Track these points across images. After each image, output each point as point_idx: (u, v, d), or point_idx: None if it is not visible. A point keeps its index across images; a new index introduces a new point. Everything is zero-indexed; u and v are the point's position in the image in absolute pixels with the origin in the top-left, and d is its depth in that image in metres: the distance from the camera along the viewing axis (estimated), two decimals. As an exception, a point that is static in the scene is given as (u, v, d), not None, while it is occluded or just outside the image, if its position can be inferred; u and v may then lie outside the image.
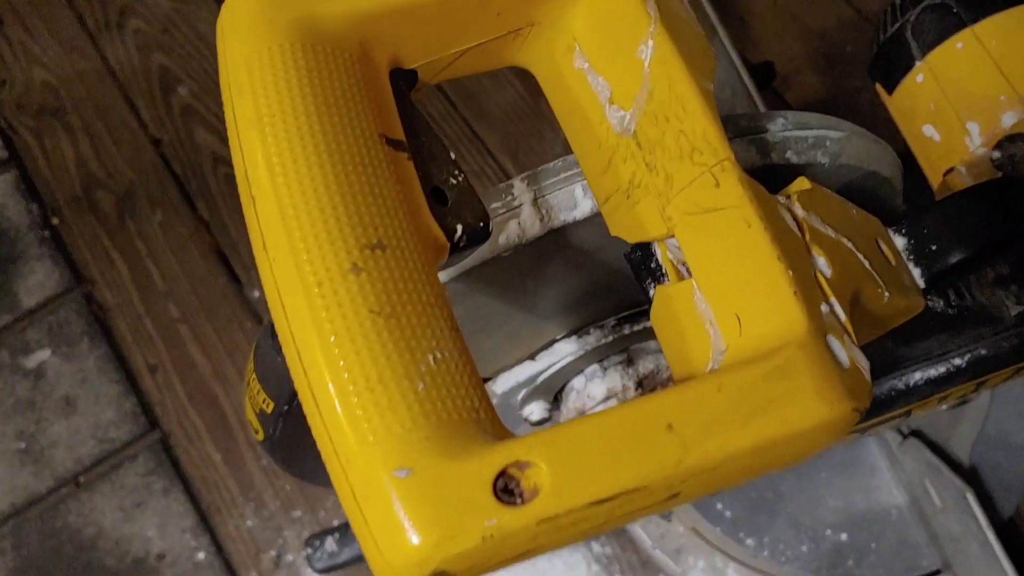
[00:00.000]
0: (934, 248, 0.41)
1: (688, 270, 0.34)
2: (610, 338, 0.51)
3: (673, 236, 0.33)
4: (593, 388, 0.54)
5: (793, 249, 0.31)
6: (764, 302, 0.30)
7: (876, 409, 0.53)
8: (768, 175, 0.43)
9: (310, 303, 0.26)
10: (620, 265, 0.37)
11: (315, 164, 0.28)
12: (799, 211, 0.34)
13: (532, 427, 0.57)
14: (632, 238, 0.34)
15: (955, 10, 0.60)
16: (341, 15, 0.31)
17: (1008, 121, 0.57)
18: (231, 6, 0.31)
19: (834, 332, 0.30)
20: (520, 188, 0.41)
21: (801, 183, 0.36)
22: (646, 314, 0.53)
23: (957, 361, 0.52)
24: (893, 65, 0.63)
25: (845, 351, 0.30)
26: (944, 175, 0.59)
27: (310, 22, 0.31)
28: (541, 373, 0.53)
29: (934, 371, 0.52)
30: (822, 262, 0.33)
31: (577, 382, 0.54)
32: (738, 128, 0.43)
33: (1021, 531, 0.94)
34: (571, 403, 0.55)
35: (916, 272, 0.41)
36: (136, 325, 1.11)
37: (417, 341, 0.27)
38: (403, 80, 0.34)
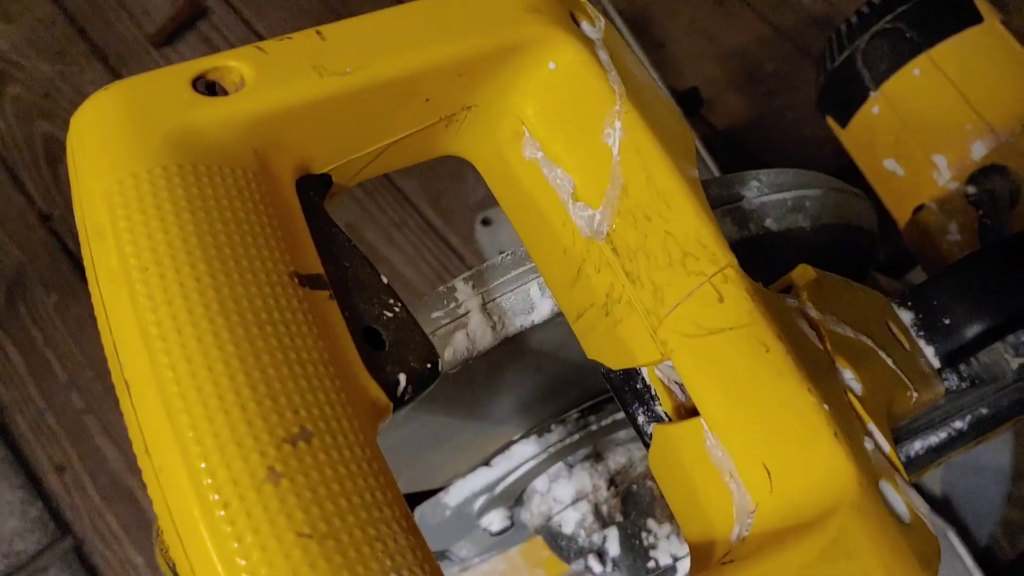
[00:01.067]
0: (947, 322, 0.35)
1: (683, 390, 0.28)
2: (575, 436, 0.45)
3: (668, 361, 0.26)
4: (559, 490, 0.47)
5: (820, 370, 0.25)
6: (798, 448, 0.24)
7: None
8: (747, 248, 0.38)
9: (215, 534, 0.19)
10: (586, 360, 0.31)
11: (207, 331, 0.21)
12: (814, 313, 0.28)
13: (492, 538, 0.50)
14: (617, 364, 0.28)
15: (908, 35, 0.55)
16: (227, 123, 0.24)
17: (978, 152, 0.53)
18: (81, 124, 0.24)
19: (885, 475, 0.24)
20: (465, 292, 0.34)
21: (805, 272, 0.30)
22: (613, 402, 0.47)
23: (958, 424, 0.47)
24: (844, 97, 0.59)
25: (901, 498, 0.24)
26: (913, 213, 0.55)
27: (187, 136, 0.24)
28: (499, 481, 0.46)
29: (935, 438, 0.47)
30: (850, 377, 0.27)
31: (540, 484, 0.48)
32: (710, 198, 0.37)
33: (998, 558, 0.90)
34: (535, 507, 0.48)
35: (929, 351, 0.35)
36: (37, 421, 1.01)
37: (366, 567, 0.20)
38: (313, 188, 0.27)
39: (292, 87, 0.25)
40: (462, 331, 0.34)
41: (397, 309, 0.26)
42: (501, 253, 0.35)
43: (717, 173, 0.88)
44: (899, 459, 0.26)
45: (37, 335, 1.04)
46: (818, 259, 0.43)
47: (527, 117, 0.29)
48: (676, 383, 0.28)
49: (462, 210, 1.09)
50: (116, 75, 1.14)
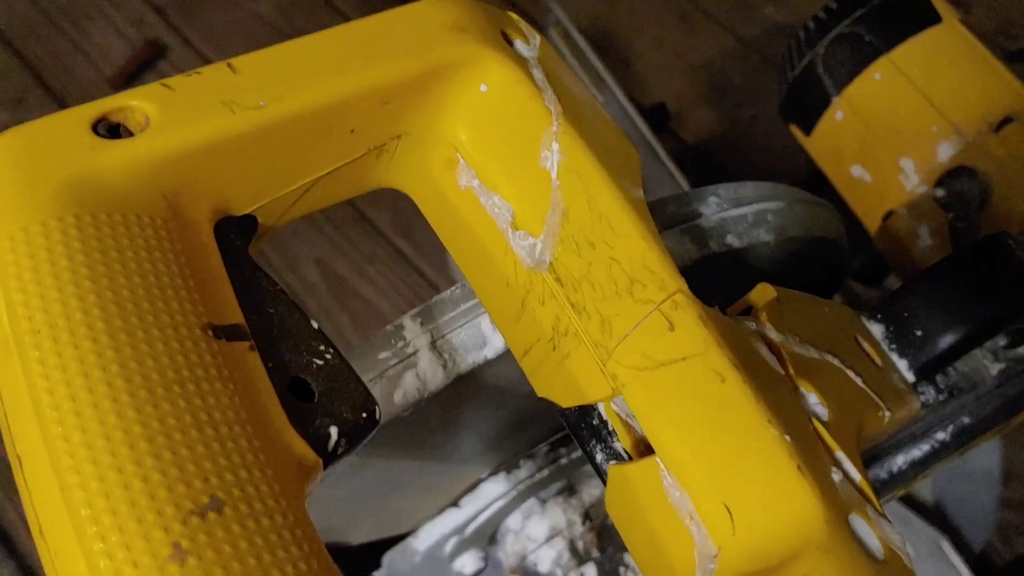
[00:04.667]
0: (919, 334, 0.34)
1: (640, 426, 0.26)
2: (545, 472, 0.43)
3: (621, 396, 0.25)
4: (533, 527, 0.45)
5: (781, 398, 0.24)
6: (760, 485, 0.22)
7: (859, 504, 0.45)
8: (708, 266, 0.36)
9: (113, 624, 0.17)
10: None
11: (104, 396, 0.19)
12: (774, 335, 0.26)
13: (468, 582, 0.48)
14: (566, 401, 0.26)
15: (867, 38, 0.54)
16: (131, 167, 0.22)
17: (944, 153, 0.52)
18: (-31, 173, 0.22)
19: (856, 507, 0.22)
20: (413, 330, 0.33)
21: (764, 291, 0.28)
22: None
23: (941, 436, 0.46)
24: (807, 104, 0.57)
25: (874, 532, 0.22)
26: (883, 219, 0.53)
27: (86, 184, 0.22)
28: (469, 521, 0.44)
29: (918, 451, 0.45)
30: (815, 401, 0.25)
31: (513, 521, 0.46)
32: (666, 217, 0.35)
33: (994, 562, 0.89)
34: (509, 546, 0.46)
35: (902, 364, 0.34)
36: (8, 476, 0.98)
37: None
38: (235, 232, 0.26)
39: (201, 125, 0.23)
40: (411, 371, 0.32)
41: (328, 356, 0.25)
42: (451, 287, 0.34)
43: (687, 185, 0.87)
44: (871, 487, 0.24)
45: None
46: (785, 274, 0.42)
47: (461, 143, 0.27)
48: (633, 417, 0.27)
49: (434, 239, 1.07)
50: (76, 120, 1.12)
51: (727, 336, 0.24)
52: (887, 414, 0.28)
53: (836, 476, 0.23)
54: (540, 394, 0.27)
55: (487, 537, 0.46)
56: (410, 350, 0.32)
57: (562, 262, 0.25)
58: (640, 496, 0.24)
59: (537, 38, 0.28)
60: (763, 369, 0.24)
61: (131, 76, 1.13)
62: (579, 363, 0.25)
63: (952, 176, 0.50)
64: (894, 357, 0.34)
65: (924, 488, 0.85)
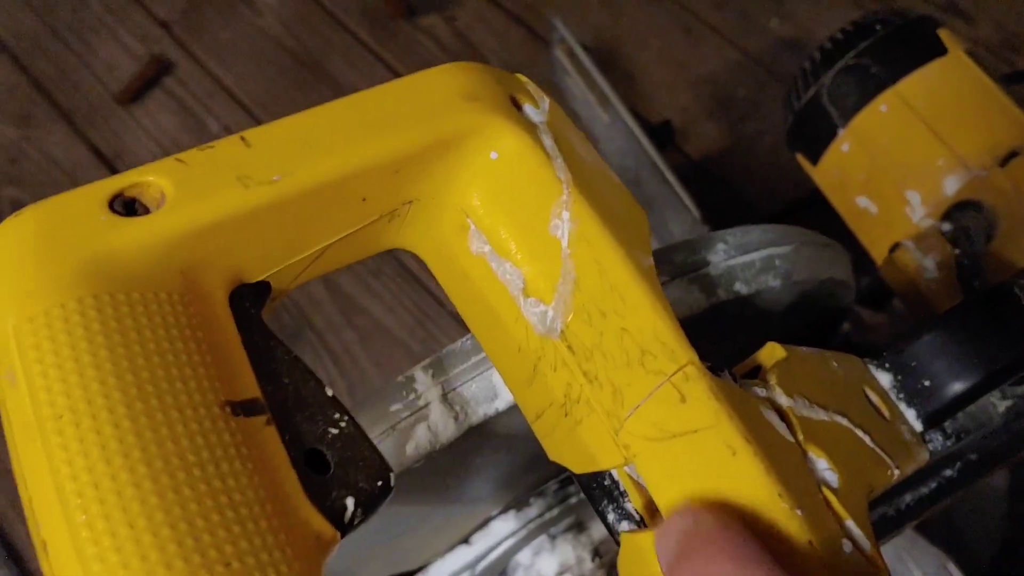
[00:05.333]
0: (927, 384, 0.34)
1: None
2: (555, 511, 0.43)
3: (632, 464, 0.25)
4: (542, 564, 0.45)
5: (791, 467, 0.24)
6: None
7: (867, 541, 0.46)
8: (716, 314, 0.36)
9: None
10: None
11: (127, 483, 0.20)
12: (783, 400, 0.26)
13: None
14: (578, 467, 0.26)
15: (873, 70, 0.54)
16: (149, 245, 0.23)
17: (951, 187, 0.52)
18: (-11, 255, 0.22)
19: (865, 581, 0.23)
20: (424, 382, 0.33)
21: (773, 351, 0.28)
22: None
23: (948, 473, 0.46)
24: (813, 134, 0.58)
25: (884, 605, 0.22)
26: (890, 251, 0.54)
27: (104, 263, 0.22)
28: (480, 559, 0.45)
29: (925, 488, 0.46)
30: (823, 466, 0.25)
31: (523, 557, 0.46)
32: (674, 267, 0.36)
33: (1002, 579, 0.89)
34: (518, 581, 0.46)
35: (910, 414, 0.34)
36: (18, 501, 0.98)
37: None
38: (249, 299, 0.26)
39: (216, 201, 0.24)
40: (423, 424, 0.32)
41: (343, 424, 0.25)
42: (461, 339, 0.34)
43: (692, 205, 0.87)
44: (883, 560, 0.24)
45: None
46: (792, 317, 0.42)
47: (472, 209, 0.27)
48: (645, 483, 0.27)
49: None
50: (83, 136, 1.13)
51: (738, 408, 0.24)
52: (896, 472, 0.29)
53: (847, 547, 0.23)
54: (552, 458, 0.27)
55: (497, 574, 0.47)
56: (421, 402, 0.33)
57: (573, 330, 0.25)
58: (651, 565, 0.24)
59: (547, 101, 0.28)
60: (773, 438, 0.24)
61: (138, 92, 1.14)
62: (591, 431, 0.25)
63: (958, 210, 0.50)
64: (902, 407, 0.34)
65: (930, 506, 0.85)
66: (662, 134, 1.00)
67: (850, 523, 0.24)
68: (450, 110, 0.26)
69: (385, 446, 0.32)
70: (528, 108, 0.28)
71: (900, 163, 0.53)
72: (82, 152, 1.12)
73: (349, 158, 0.25)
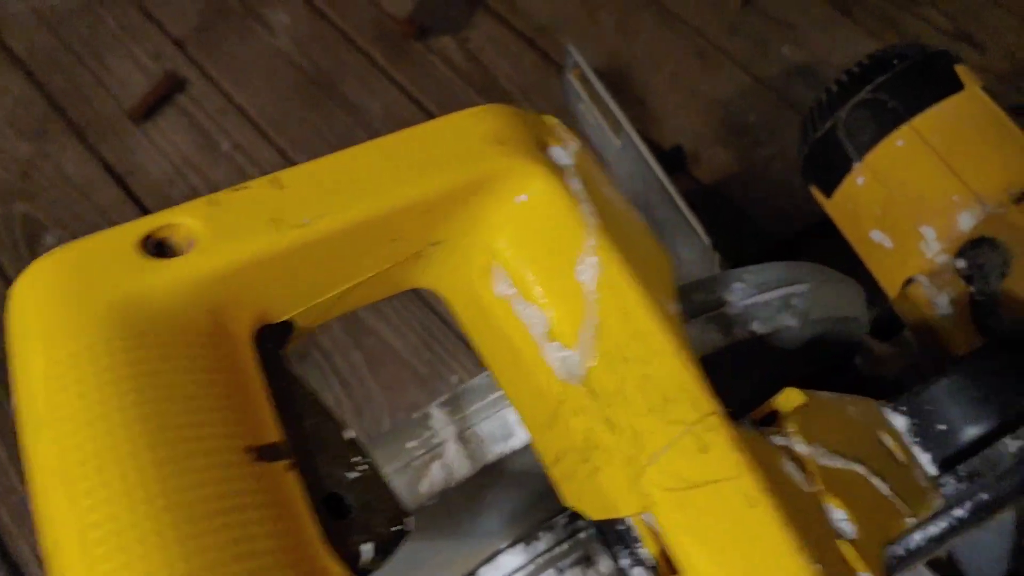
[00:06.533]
0: (943, 428, 0.34)
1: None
2: (564, 546, 0.43)
3: (650, 512, 0.25)
4: (552, 597, 0.45)
5: (809, 519, 0.24)
6: (792, 614, 0.22)
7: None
8: (733, 353, 0.36)
9: None
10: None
11: (150, 532, 0.20)
12: (802, 449, 0.26)
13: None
14: (596, 514, 0.26)
15: (890, 105, 0.54)
16: (178, 287, 0.23)
17: (966, 223, 0.52)
18: (19, 296, 0.22)
19: (886, 636, 0.23)
20: (440, 419, 0.33)
21: (791, 397, 0.28)
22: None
23: (959, 513, 0.45)
24: (828, 167, 0.58)
25: (904, 662, 0.22)
26: (903, 286, 0.54)
27: (134, 305, 0.22)
28: (488, 592, 0.44)
29: (935, 528, 0.45)
30: (841, 516, 0.25)
31: (532, 589, 0.46)
32: (693, 305, 0.36)
33: (1010, 612, 0.88)
34: (526, 613, 0.46)
35: (925, 458, 0.34)
36: (20, 510, 0.98)
37: None
38: (273, 339, 0.26)
39: (248, 243, 0.24)
40: (438, 462, 0.32)
41: (363, 468, 0.25)
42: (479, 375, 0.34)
43: (702, 231, 0.87)
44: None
45: (20, 420, 1.02)
46: (807, 354, 0.42)
47: (498, 251, 0.27)
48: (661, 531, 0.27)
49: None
50: (95, 152, 1.13)
51: (758, 459, 0.24)
52: (912, 521, 0.29)
53: (866, 602, 0.23)
54: (568, 504, 0.27)
55: (505, 605, 0.47)
56: (437, 440, 0.33)
57: (596, 376, 0.25)
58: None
59: (576, 143, 0.29)
60: (791, 488, 0.25)
61: (150, 109, 1.14)
62: (610, 478, 0.25)
63: (974, 247, 0.50)
64: (917, 451, 0.34)
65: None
66: (674, 159, 1.00)
67: (866, 575, 0.24)
68: (481, 154, 0.26)
69: (400, 483, 0.32)
70: (557, 150, 0.28)
71: (915, 198, 0.53)
72: (94, 168, 1.13)
73: (380, 200, 0.25)
